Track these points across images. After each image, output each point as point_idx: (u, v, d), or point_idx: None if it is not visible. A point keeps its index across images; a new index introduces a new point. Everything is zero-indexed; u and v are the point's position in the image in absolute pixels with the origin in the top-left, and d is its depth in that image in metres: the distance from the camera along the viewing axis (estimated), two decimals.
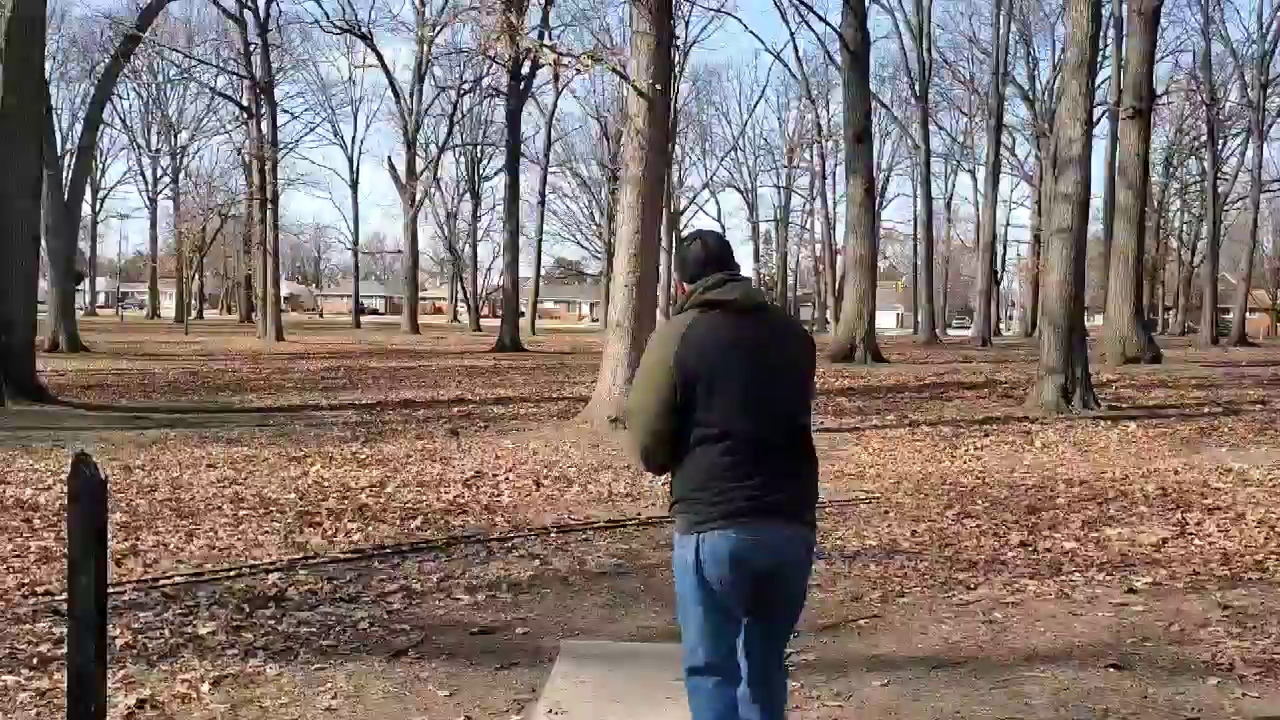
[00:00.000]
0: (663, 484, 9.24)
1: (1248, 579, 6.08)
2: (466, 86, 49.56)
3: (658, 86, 13.03)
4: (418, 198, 51.05)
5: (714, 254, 3.21)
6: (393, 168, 51.28)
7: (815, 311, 77.41)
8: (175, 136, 65.36)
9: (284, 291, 59.23)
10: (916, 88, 45.45)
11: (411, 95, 50.66)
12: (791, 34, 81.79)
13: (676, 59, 45.26)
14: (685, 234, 3.55)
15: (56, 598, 5.39)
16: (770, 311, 3.21)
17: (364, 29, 46.03)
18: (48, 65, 29.84)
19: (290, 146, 54.44)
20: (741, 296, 3.09)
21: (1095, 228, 38.95)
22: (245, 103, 43.36)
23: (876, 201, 39.21)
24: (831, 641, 4.98)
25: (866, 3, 29.13)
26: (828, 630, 5.13)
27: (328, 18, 45.03)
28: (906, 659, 4.72)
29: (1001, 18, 43.89)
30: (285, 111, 51.19)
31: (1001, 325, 71.70)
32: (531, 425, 13.66)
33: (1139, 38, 24.48)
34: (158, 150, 67.14)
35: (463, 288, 71.65)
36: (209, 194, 58.82)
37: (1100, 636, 5.04)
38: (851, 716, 4.08)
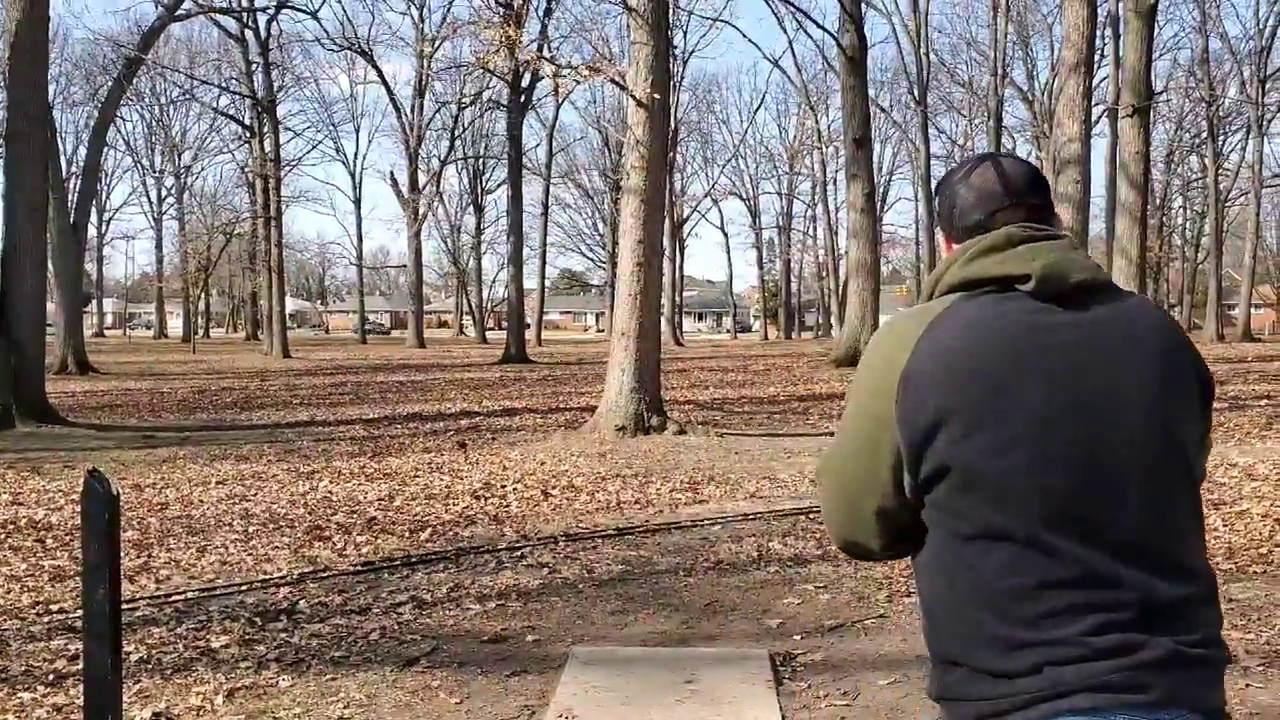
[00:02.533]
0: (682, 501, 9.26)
1: (1252, 572, 6.10)
2: (467, 100, 49.80)
3: (657, 96, 13.10)
4: (421, 212, 51.24)
5: (1014, 187, 1.72)
6: (395, 183, 51.54)
7: (820, 317, 77.45)
8: (179, 157, 65.67)
9: (289, 308, 59.45)
10: (915, 91, 45.56)
11: (412, 110, 50.94)
12: (789, 41, 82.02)
13: (675, 68, 45.41)
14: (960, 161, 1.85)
15: (70, 615, 5.45)
16: (1109, 296, 1.64)
17: (364, 46, 46.30)
18: (51, 89, 30.02)
19: (293, 164, 54.62)
20: (1050, 267, 1.60)
21: (1097, 226, 38.99)
22: (247, 121, 43.59)
23: (878, 206, 39.27)
24: (838, 641, 5.02)
25: (863, 8, 29.23)
26: (834, 630, 5.17)
27: (328, 35, 45.27)
28: (913, 658, 4.75)
29: (999, 19, 43.97)
30: (287, 129, 51.50)
31: None
32: (539, 436, 13.71)
33: (1136, 36, 24.47)
34: (162, 171, 67.48)
35: (468, 301, 71.81)
36: (213, 213, 59.18)
37: None
38: (858, 715, 4.12)
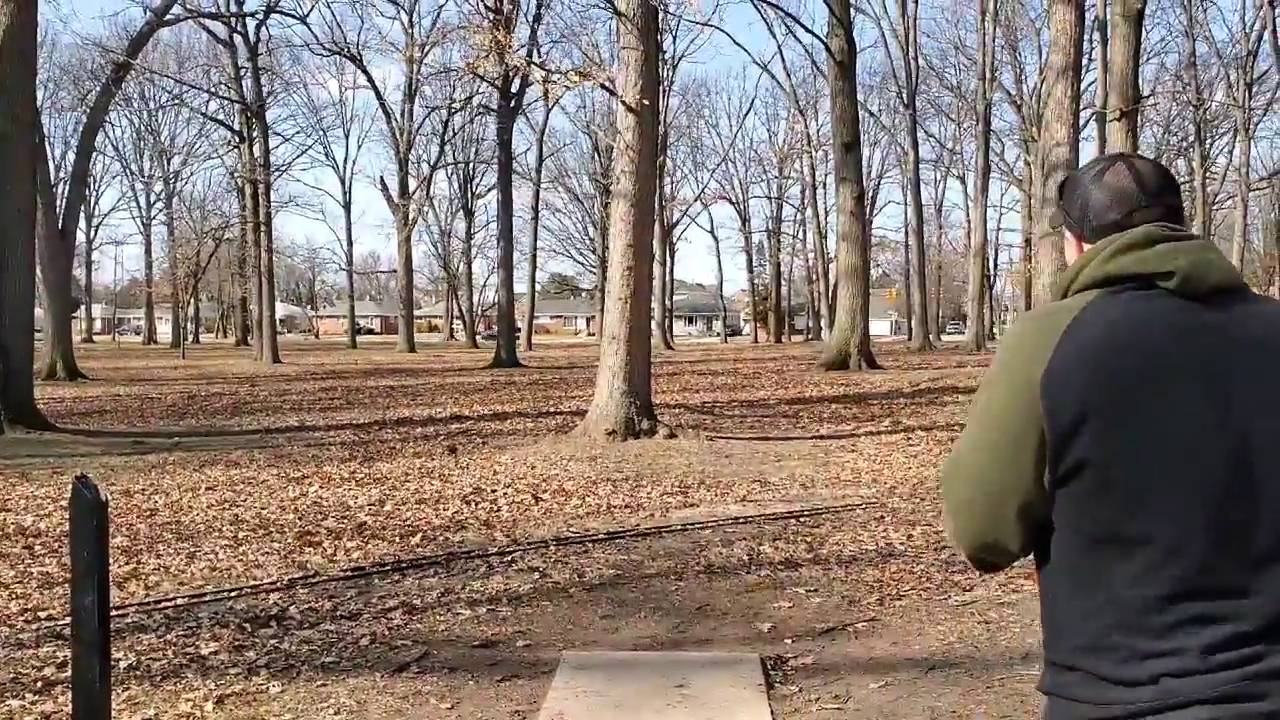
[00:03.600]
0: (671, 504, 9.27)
1: None
2: (457, 105, 49.80)
3: (646, 101, 13.12)
4: (411, 217, 51.22)
5: (1150, 187, 1.71)
6: (385, 188, 51.52)
7: (810, 320, 77.56)
8: (168, 162, 65.54)
9: (279, 313, 59.29)
10: (904, 95, 45.69)
11: (402, 115, 50.94)
12: (779, 46, 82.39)
13: (665, 73, 45.46)
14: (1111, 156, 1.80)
15: (59, 622, 5.43)
16: (1246, 297, 1.64)
17: (353, 51, 46.30)
18: (39, 94, 29.93)
19: (282, 169, 54.59)
20: (1192, 266, 1.59)
21: None
22: (237, 127, 43.49)
23: (867, 210, 39.32)
24: (829, 645, 5.02)
25: (852, 12, 29.31)
26: (825, 634, 5.18)
27: (317, 40, 45.23)
28: (903, 660, 4.76)
29: (986, 24, 44.12)
30: (277, 134, 51.39)
31: (995, 329, 71.82)
32: (529, 440, 13.70)
33: (1123, 40, 24.57)
34: (151, 176, 67.31)
35: (458, 305, 71.78)
36: (203, 218, 59.04)
37: None
38: (850, 718, 4.13)
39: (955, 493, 1.68)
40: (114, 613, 5.30)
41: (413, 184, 52.10)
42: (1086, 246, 1.72)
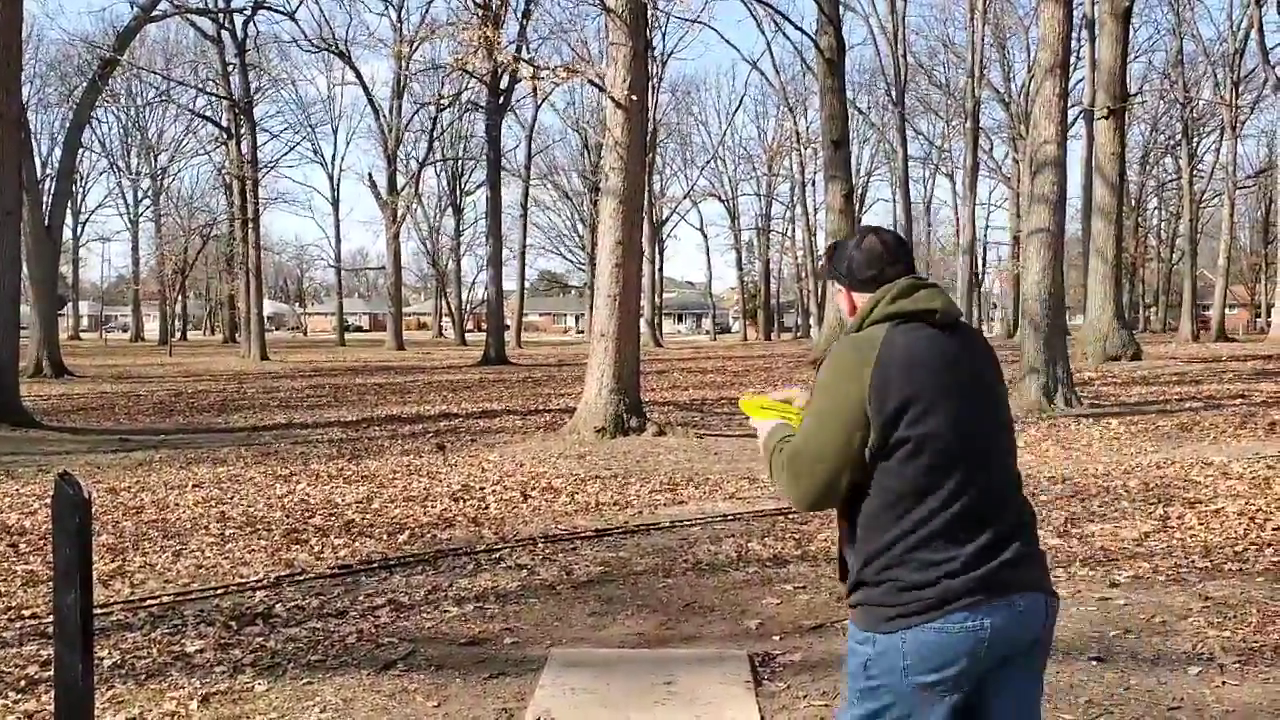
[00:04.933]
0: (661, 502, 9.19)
1: (1228, 570, 6.14)
2: (445, 102, 49.65)
3: (635, 97, 13.10)
4: (400, 213, 51.08)
5: (895, 252, 2.49)
6: (374, 184, 51.34)
7: (799, 318, 77.66)
8: (155, 159, 65.21)
9: (267, 310, 59.09)
10: (893, 93, 45.69)
11: (391, 111, 50.79)
12: (768, 43, 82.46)
13: (654, 70, 45.41)
14: (865, 228, 2.66)
15: (43, 621, 5.40)
16: (968, 327, 2.51)
17: (342, 47, 46.13)
18: (25, 90, 29.74)
19: (270, 166, 54.40)
20: (945, 306, 2.39)
21: (1074, 227, 39.31)
22: (224, 123, 43.31)
23: (856, 207, 39.36)
24: (817, 641, 5.02)
25: (841, 10, 29.31)
26: (813, 631, 5.17)
27: (305, 36, 45.09)
28: None
29: (975, 22, 44.20)
30: (265, 131, 51.29)
31: (984, 327, 72.02)
32: (518, 438, 13.68)
33: (1111, 38, 24.71)
34: (138, 173, 66.96)
35: (447, 302, 71.63)
36: (190, 215, 58.78)
37: (1083, 630, 5.09)
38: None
39: (802, 467, 2.37)
40: (99, 611, 5.27)
41: (401, 181, 51.98)
42: (856, 295, 2.52)
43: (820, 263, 2.70)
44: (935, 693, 2.28)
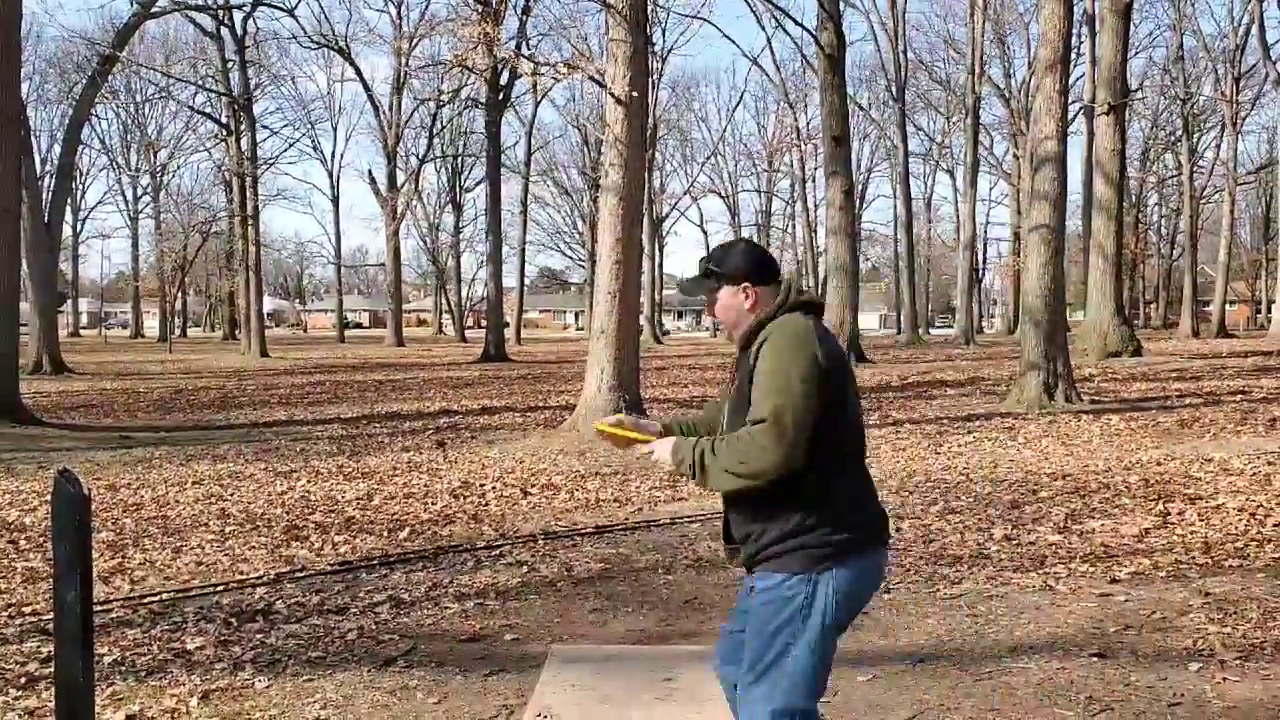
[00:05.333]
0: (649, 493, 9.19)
1: (1228, 566, 6.14)
2: (445, 98, 49.57)
3: (635, 93, 13.08)
4: (399, 210, 51.04)
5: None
6: (373, 181, 51.30)
7: None
8: (155, 155, 65.15)
9: (267, 307, 59.12)
10: (893, 89, 45.66)
11: (390, 108, 50.73)
12: (768, 39, 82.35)
13: (654, 66, 45.37)
14: (732, 240, 3.12)
15: (44, 617, 5.40)
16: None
17: (341, 43, 46.05)
18: (24, 86, 29.71)
19: (270, 162, 54.31)
20: (820, 300, 2.99)
21: (1074, 224, 39.29)
22: (224, 120, 43.28)
23: (856, 203, 39.33)
24: None
25: (841, 6, 29.26)
26: None
27: (305, 33, 45.03)
28: (891, 653, 4.76)
29: (976, 17, 44.12)
30: (264, 128, 51.20)
31: (984, 323, 71.99)
32: (518, 434, 13.68)
33: (1112, 33, 24.68)
34: (137, 169, 66.92)
35: (447, 299, 71.62)
36: (190, 212, 58.71)
37: (1083, 626, 5.09)
38: (838, 711, 4.12)
39: (792, 433, 2.64)
40: (99, 608, 5.27)
41: (401, 177, 51.95)
42: (760, 289, 2.86)
43: (696, 274, 2.97)
44: (848, 626, 2.80)
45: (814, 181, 59.58)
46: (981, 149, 50.78)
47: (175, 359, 38.11)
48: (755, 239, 69.68)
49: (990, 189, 67.45)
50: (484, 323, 43.30)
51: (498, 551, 6.98)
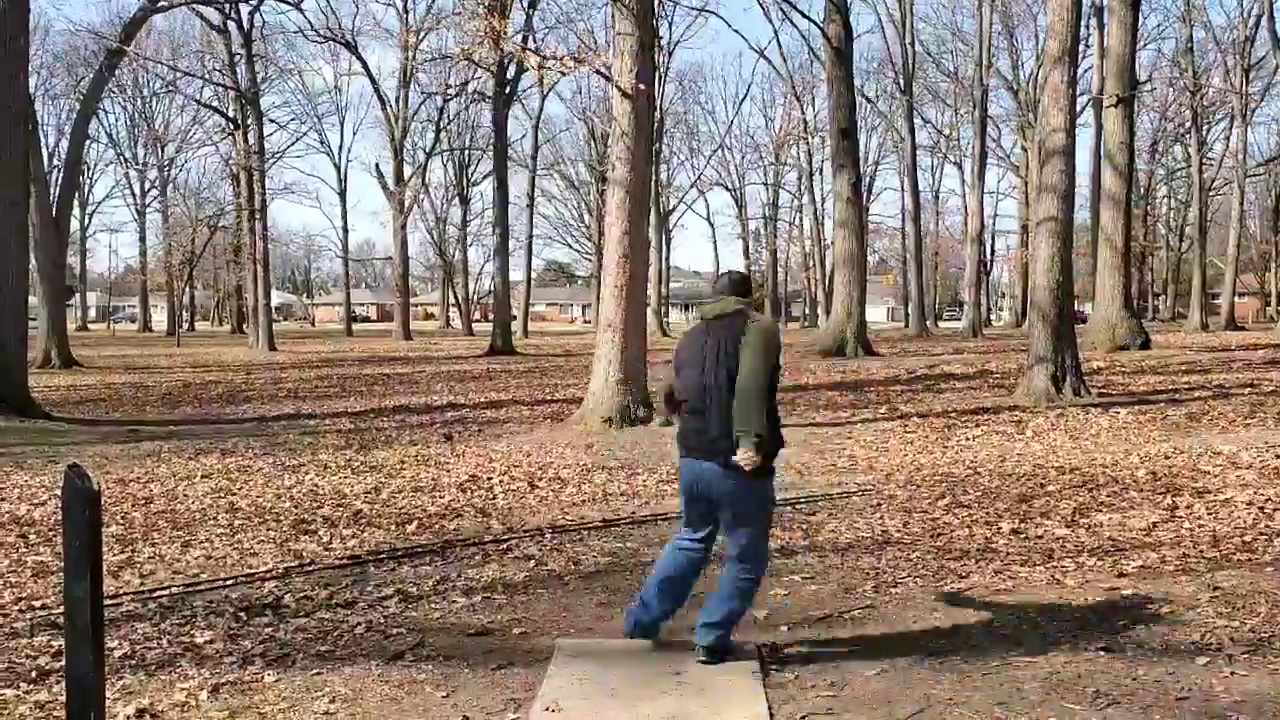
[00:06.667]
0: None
1: (1236, 560, 6.13)
2: (452, 92, 49.55)
3: (642, 87, 13.07)
4: (406, 204, 51.06)
5: None
6: (380, 175, 51.31)
7: (806, 307, 77.51)
8: (162, 149, 65.22)
9: (275, 301, 59.19)
10: (901, 81, 45.56)
11: (397, 102, 50.74)
12: (775, 31, 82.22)
13: (660, 59, 45.28)
14: (725, 272, 4.88)
15: (54, 611, 5.42)
16: None
17: (348, 37, 46.02)
18: (32, 81, 29.76)
19: (277, 156, 54.47)
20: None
21: (1082, 216, 39.14)
22: (231, 114, 43.33)
23: (864, 196, 39.25)
24: (825, 632, 5.02)
25: None
26: (821, 621, 5.18)
27: (312, 27, 44.98)
28: (899, 648, 4.76)
29: (984, 9, 43.98)
30: (272, 121, 51.32)
31: (992, 316, 71.87)
32: (525, 428, 13.69)
33: (1121, 25, 24.60)
34: (145, 163, 67.04)
35: (454, 293, 71.66)
36: (197, 206, 58.81)
37: (1090, 620, 5.09)
38: (845, 705, 4.12)
39: (759, 396, 4.36)
40: (108, 602, 5.30)
41: (408, 171, 51.93)
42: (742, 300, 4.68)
43: (756, 296, 4.98)
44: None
45: (821, 174, 59.50)
46: (989, 141, 50.67)
47: (183, 352, 38.21)
48: (760, 233, 69.90)
49: (998, 181, 67.59)
50: (491, 316, 43.30)
51: (505, 545, 7.00)
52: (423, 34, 44.33)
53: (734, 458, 4.34)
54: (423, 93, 52.19)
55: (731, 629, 4.62)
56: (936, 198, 70.32)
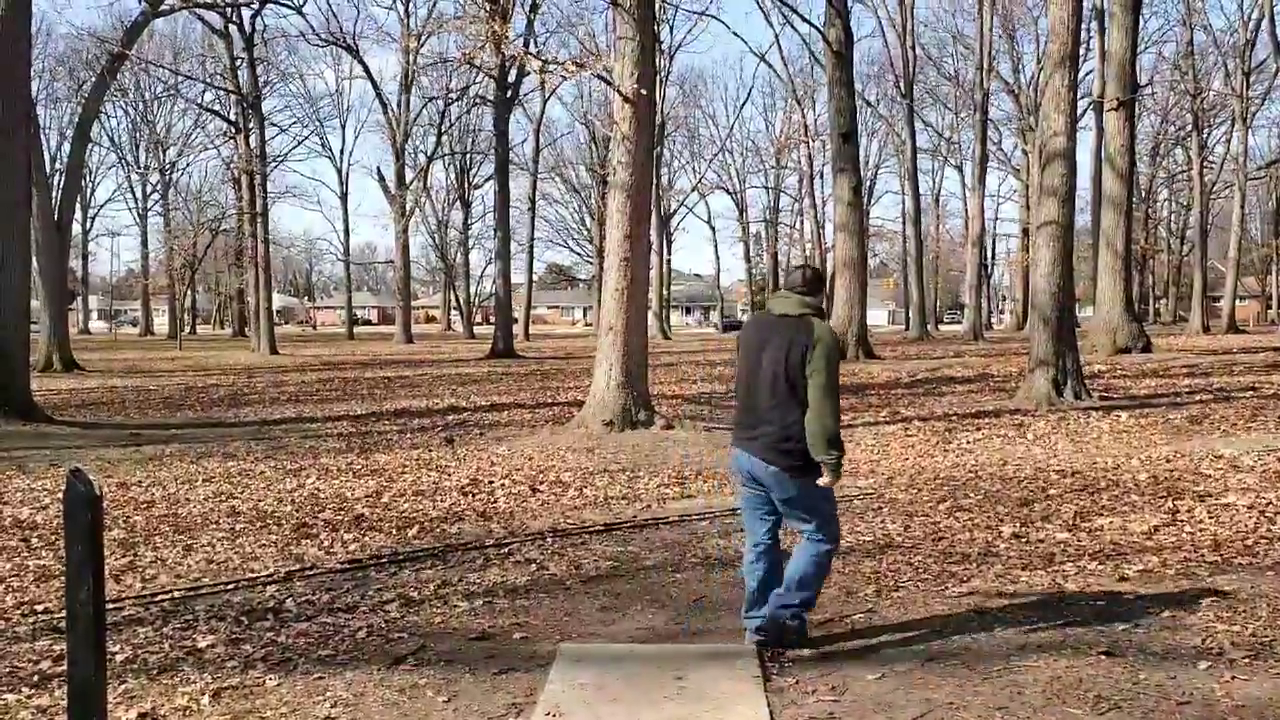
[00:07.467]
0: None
1: (1238, 564, 6.13)
2: (453, 96, 49.65)
3: (643, 91, 13.08)
4: (408, 207, 51.11)
5: None
6: (382, 178, 51.37)
7: None
8: (164, 153, 65.38)
9: (276, 304, 59.22)
10: (901, 85, 45.57)
11: (399, 105, 50.79)
12: (776, 35, 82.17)
13: (662, 63, 45.32)
14: (797, 265, 5.04)
15: (55, 616, 5.43)
16: None
17: (350, 41, 46.10)
18: (34, 85, 29.77)
19: (279, 160, 54.50)
20: None
21: (1083, 219, 39.13)
22: (233, 117, 43.36)
23: (865, 199, 39.25)
24: (826, 635, 5.02)
25: (849, 2, 29.21)
26: (822, 625, 5.17)
27: (313, 31, 45.08)
28: (900, 651, 4.76)
29: (984, 12, 44.00)
30: (273, 125, 51.39)
31: (993, 319, 71.86)
32: (526, 431, 13.69)
33: (1121, 29, 24.62)
34: (146, 167, 67.15)
35: (455, 296, 71.68)
36: (199, 209, 58.89)
37: (1092, 624, 5.08)
38: (846, 709, 4.12)
39: (837, 407, 4.60)
40: (110, 606, 5.30)
41: (409, 175, 51.99)
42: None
43: (820, 287, 4.86)
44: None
45: (822, 178, 59.50)
46: (990, 145, 50.66)
47: (185, 356, 38.22)
48: (761, 236, 69.85)
49: (999, 185, 67.69)
50: (492, 319, 43.32)
51: (507, 549, 7.00)
52: (424, 38, 44.33)
53: (819, 480, 4.58)
54: (424, 96, 52.33)
55: (808, 609, 4.87)
56: (937, 201, 70.36)
